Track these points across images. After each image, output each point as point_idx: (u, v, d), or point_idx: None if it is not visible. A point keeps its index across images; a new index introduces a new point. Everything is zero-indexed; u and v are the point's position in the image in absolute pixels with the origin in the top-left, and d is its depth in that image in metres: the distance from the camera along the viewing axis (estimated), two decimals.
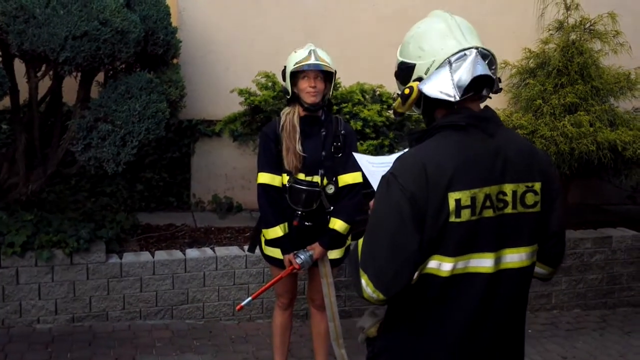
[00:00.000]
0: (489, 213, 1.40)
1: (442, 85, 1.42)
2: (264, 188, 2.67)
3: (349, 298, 3.98)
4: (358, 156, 1.93)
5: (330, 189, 2.68)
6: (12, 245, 3.34)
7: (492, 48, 1.50)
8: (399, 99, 1.50)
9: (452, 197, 1.36)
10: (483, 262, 1.41)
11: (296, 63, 2.58)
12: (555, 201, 1.51)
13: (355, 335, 3.68)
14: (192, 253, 3.77)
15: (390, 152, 4.00)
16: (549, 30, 4.55)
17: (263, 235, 2.78)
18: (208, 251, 3.83)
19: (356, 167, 2.67)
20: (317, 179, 2.66)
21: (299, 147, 2.62)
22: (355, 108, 3.95)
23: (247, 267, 3.79)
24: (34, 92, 3.43)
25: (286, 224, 2.68)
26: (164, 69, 3.70)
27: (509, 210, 1.43)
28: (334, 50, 4.90)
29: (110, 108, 3.22)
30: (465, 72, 1.41)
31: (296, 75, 2.61)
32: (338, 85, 4.23)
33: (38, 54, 3.06)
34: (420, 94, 1.45)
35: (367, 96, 4.17)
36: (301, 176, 2.65)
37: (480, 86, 1.45)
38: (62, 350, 3.26)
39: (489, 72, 1.43)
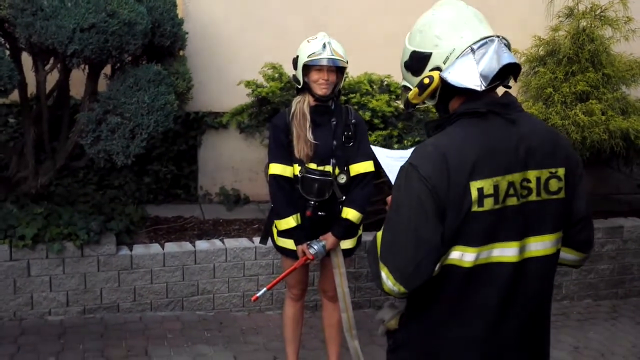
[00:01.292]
0: (512, 201, 1.38)
1: (467, 74, 1.38)
2: (275, 179, 2.68)
3: (359, 289, 4.01)
4: (377, 149, 1.93)
5: (342, 179, 2.68)
6: (23, 238, 3.38)
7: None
8: (416, 89, 1.45)
9: (475, 186, 1.34)
10: (507, 252, 1.39)
11: (310, 55, 2.59)
12: (578, 186, 1.49)
13: (366, 327, 3.71)
14: (202, 245, 3.80)
15: (399, 142, 4.00)
16: (559, 17, 4.50)
17: (275, 227, 2.79)
18: (217, 243, 3.86)
19: (368, 157, 2.70)
20: (329, 168, 2.67)
21: (309, 135, 2.62)
22: (363, 98, 3.95)
23: (257, 259, 3.82)
24: (42, 86, 3.46)
25: (299, 214, 2.69)
26: (170, 61, 3.71)
27: (533, 197, 1.41)
28: (341, 40, 4.88)
29: (119, 100, 3.24)
30: (491, 61, 1.38)
31: (309, 67, 2.61)
32: (346, 76, 4.22)
33: (46, 46, 3.08)
34: (439, 83, 1.42)
35: (375, 86, 4.16)
36: (313, 166, 2.66)
37: (505, 74, 1.43)
38: (74, 341, 3.30)
39: (516, 60, 1.42)
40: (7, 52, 3.21)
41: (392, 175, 1.61)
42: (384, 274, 1.38)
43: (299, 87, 2.69)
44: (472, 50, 1.40)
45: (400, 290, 1.37)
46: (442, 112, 1.50)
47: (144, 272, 3.64)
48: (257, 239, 3.85)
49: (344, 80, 4.11)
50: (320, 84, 2.60)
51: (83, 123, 3.33)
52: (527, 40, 4.57)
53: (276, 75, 4.07)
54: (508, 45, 1.46)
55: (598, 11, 4.38)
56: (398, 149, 3.94)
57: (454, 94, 1.44)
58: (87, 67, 3.43)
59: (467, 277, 1.37)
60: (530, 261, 1.42)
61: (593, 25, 4.33)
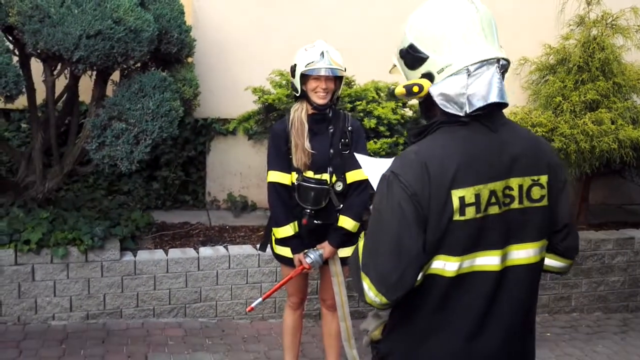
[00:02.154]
0: (494, 210, 1.35)
1: (454, 96, 1.35)
2: (273, 186, 2.63)
3: None
4: (359, 157, 1.90)
5: (339, 186, 2.63)
6: (28, 243, 3.35)
7: (511, 44, 1.44)
8: (403, 89, 1.41)
9: (456, 194, 1.32)
10: (489, 260, 1.36)
11: (307, 64, 2.53)
12: (562, 193, 1.46)
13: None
14: (206, 251, 3.74)
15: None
16: (570, 25, 4.40)
17: (273, 234, 2.73)
18: (221, 250, 3.79)
19: None
20: (325, 176, 2.61)
21: (307, 144, 2.58)
22: (369, 106, 3.87)
23: (260, 266, 3.74)
24: (50, 91, 3.43)
25: (296, 222, 2.63)
26: (178, 68, 3.67)
27: (515, 205, 1.38)
28: (349, 48, 4.80)
29: (124, 107, 3.20)
30: (480, 88, 1.33)
31: (306, 75, 2.55)
32: (353, 83, 4.15)
33: (53, 53, 3.05)
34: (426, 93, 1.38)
35: (381, 94, 4.08)
36: (309, 174, 2.61)
37: (491, 107, 1.36)
38: (76, 347, 3.25)
39: (505, 99, 1.35)
40: (16, 59, 3.19)
41: (376, 183, 1.59)
42: (366, 284, 1.33)
43: (297, 95, 2.63)
44: (468, 72, 1.34)
45: (382, 301, 1.33)
46: (425, 113, 1.47)
47: (147, 278, 3.58)
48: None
49: (350, 87, 4.06)
50: (318, 93, 2.55)
51: (88, 129, 3.30)
52: (537, 49, 4.47)
53: (283, 82, 4.01)
54: (506, 68, 1.40)
55: (609, 20, 4.29)
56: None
57: (429, 104, 1.41)
58: (94, 73, 3.40)
59: (449, 286, 1.35)
60: (513, 269, 1.39)
61: (604, 34, 4.24)
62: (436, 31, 1.38)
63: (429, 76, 1.37)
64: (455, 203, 1.31)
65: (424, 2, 1.44)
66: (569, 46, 4.33)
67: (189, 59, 3.93)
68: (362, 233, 1.47)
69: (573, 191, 5.07)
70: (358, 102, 3.89)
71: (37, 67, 3.49)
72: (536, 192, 1.40)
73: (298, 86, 2.60)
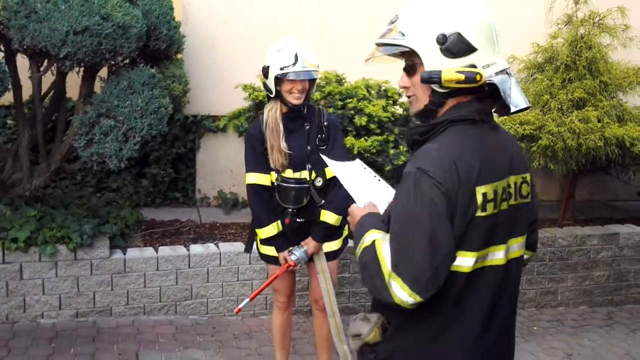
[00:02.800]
0: (504, 205, 1.40)
1: (506, 91, 1.37)
2: (253, 188, 2.61)
3: (354, 294, 3.89)
4: (328, 161, 1.91)
5: (319, 182, 2.60)
6: (15, 241, 3.28)
7: (500, 43, 1.44)
8: (460, 75, 1.33)
9: (480, 191, 1.34)
10: (497, 255, 1.40)
11: (282, 68, 2.46)
12: (534, 189, 1.55)
13: None
14: (196, 249, 3.69)
15: (395, 147, 3.89)
16: (558, 24, 4.41)
17: (257, 235, 2.70)
18: (212, 247, 3.75)
19: (342, 157, 2.55)
20: (305, 174, 2.58)
21: (283, 144, 2.55)
22: (360, 103, 3.85)
23: (251, 263, 3.71)
24: (36, 88, 3.35)
25: (279, 221, 2.61)
26: (167, 64, 3.60)
27: (512, 201, 1.44)
28: (339, 45, 4.77)
29: (112, 104, 3.14)
30: (519, 93, 1.39)
31: (281, 77, 2.48)
32: (343, 81, 4.12)
33: (39, 49, 2.98)
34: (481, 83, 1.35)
35: (372, 92, 4.06)
36: (289, 173, 2.58)
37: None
38: (65, 345, 3.20)
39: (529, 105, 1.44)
40: (1, 55, 3.10)
41: (348, 185, 1.66)
42: (397, 284, 1.30)
43: (272, 96, 2.57)
44: (508, 75, 1.39)
45: (416, 301, 1.30)
46: (428, 112, 1.43)
47: (137, 276, 3.53)
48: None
49: (341, 85, 4.03)
50: (294, 94, 2.50)
51: (76, 126, 3.23)
52: (525, 47, 4.47)
53: None
54: None
55: (596, 19, 4.31)
56: (393, 154, 3.83)
57: (457, 94, 1.39)
58: (81, 69, 3.33)
59: (465, 282, 1.36)
60: (512, 263, 1.45)
61: (591, 33, 4.26)
62: (485, 27, 1.38)
63: (474, 68, 1.36)
64: (479, 199, 1.34)
65: None
66: (557, 45, 4.34)
67: (178, 56, 3.86)
68: (373, 233, 1.42)
69: (560, 188, 5.11)
70: (349, 100, 3.87)
71: (22, 63, 3.41)
72: (525, 189, 1.46)
73: (272, 87, 2.53)
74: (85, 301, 3.46)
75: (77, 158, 3.62)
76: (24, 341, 3.21)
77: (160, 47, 3.43)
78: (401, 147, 3.87)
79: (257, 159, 2.58)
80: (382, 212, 1.55)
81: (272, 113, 2.56)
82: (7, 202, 3.53)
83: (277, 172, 2.57)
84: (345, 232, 2.77)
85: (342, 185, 2.56)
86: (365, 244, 1.42)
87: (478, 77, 1.34)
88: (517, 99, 1.39)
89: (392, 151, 3.81)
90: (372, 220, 1.49)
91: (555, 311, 4.20)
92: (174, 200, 4.61)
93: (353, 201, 1.64)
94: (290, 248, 2.61)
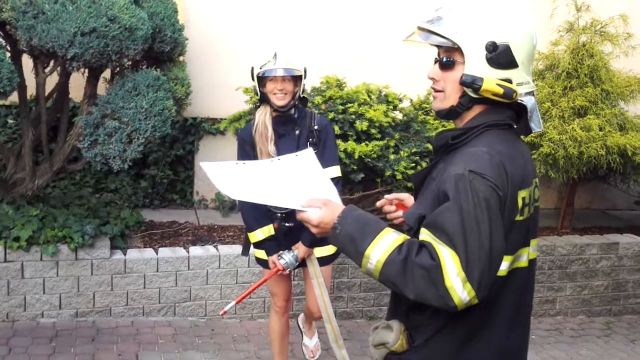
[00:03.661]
0: (532, 209, 1.47)
1: (530, 111, 1.44)
2: None
3: (352, 299, 4.06)
4: (204, 165, 1.61)
5: None
6: (17, 240, 3.44)
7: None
8: (499, 88, 1.37)
9: (521, 195, 1.39)
10: (523, 257, 1.46)
11: (262, 66, 2.53)
12: None
13: (358, 337, 3.74)
14: (196, 251, 3.86)
15: (396, 152, 4.04)
16: (559, 31, 4.56)
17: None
18: (211, 249, 3.91)
19: (333, 162, 2.64)
20: None
21: (271, 148, 2.57)
22: (361, 108, 4.00)
23: (250, 266, 3.87)
24: (41, 88, 3.52)
25: (270, 226, 2.67)
26: (170, 67, 3.77)
27: (534, 204, 1.51)
28: (340, 49, 4.95)
29: (117, 105, 3.30)
30: (538, 116, 1.48)
31: (262, 77, 2.55)
32: (344, 86, 4.28)
33: (46, 50, 3.14)
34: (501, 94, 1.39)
35: (373, 96, 4.22)
36: None
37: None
38: (65, 345, 3.35)
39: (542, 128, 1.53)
40: (8, 55, 3.26)
41: (223, 187, 1.50)
42: (462, 286, 1.28)
43: (259, 98, 2.65)
44: (534, 96, 1.46)
45: (473, 303, 1.31)
46: (457, 110, 1.45)
47: (137, 277, 3.69)
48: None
49: (342, 90, 4.19)
50: (276, 94, 2.54)
51: (81, 126, 3.39)
52: None
53: None
54: None
55: (598, 26, 4.44)
56: (394, 159, 3.98)
57: (479, 102, 1.43)
58: (86, 70, 3.49)
59: (499, 285, 1.40)
60: (532, 263, 1.50)
61: (593, 41, 4.39)
62: (530, 46, 1.42)
63: (508, 83, 1.39)
64: (520, 203, 1.39)
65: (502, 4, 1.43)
66: (558, 52, 4.48)
67: (181, 58, 4.03)
68: (394, 232, 1.38)
69: (558, 196, 5.28)
70: (350, 105, 4.02)
71: (26, 63, 3.57)
72: (537, 193, 1.52)
73: (257, 89, 2.60)
74: (85, 301, 3.62)
75: (78, 158, 3.78)
76: (24, 340, 3.36)
77: (164, 49, 3.60)
78: (402, 152, 4.02)
79: None
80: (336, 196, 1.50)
81: (262, 117, 2.60)
82: (9, 201, 3.69)
83: None
84: None
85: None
86: (395, 244, 1.35)
87: (514, 95, 1.39)
88: (536, 122, 1.47)
89: (392, 156, 3.97)
90: (366, 220, 1.40)
91: (553, 320, 4.35)
92: (172, 202, 4.78)
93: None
94: (280, 252, 2.62)
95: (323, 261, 2.74)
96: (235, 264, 3.86)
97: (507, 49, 1.38)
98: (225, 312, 2.53)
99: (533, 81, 1.50)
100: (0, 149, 3.88)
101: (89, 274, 3.60)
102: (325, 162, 2.58)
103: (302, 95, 2.66)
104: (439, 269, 1.30)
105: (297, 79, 2.60)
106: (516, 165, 1.39)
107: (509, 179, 1.36)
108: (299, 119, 2.66)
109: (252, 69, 2.62)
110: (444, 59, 1.43)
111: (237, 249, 3.94)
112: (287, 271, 2.63)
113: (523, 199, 1.39)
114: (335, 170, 2.68)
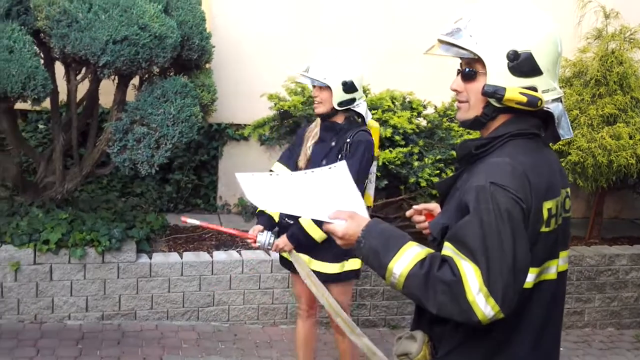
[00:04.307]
0: (560, 220, 1.45)
1: (557, 118, 1.44)
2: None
3: (375, 307, 4.10)
4: (239, 175, 1.71)
5: None
6: (47, 243, 3.57)
7: (559, 68, 1.54)
8: (522, 96, 1.37)
9: (546, 206, 1.38)
10: (551, 269, 1.45)
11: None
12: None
13: (381, 347, 3.74)
14: (219, 255, 3.95)
15: (420, 159, 4.09)
16: (587, 38, 4.57)
17: None
18: (234, 254, 4.00)
19: (352, 174, 2.74)
20: None
21: (308, 144, 2.80)
22: (385, 115, 4.06)
23: (273, 272, 3.95)
24: (73, 95, 3.66)
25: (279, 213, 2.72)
26: (197, 74, 3.89)
27: (563, 215, 1.49)
28: (363, 57, 5.03)
29: (146, 111, 3.42)
30: (567, 122, 1.48)
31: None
32: (368, 92, 4.35)
33: (79, 57, 3.27)
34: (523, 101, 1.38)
35: (397, 103, 4.28)
36: None
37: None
38: (92, 347, 3.46)
39: (571, 134, 1.51)
40: (41, 62, 3.41)
41: (253, 198, 1.57)
42: (485, 302, 1.28)
43: None
44: (561, 101, 1.45)
45: (498, 317, 1.30)
46: (481, 121, 1.46)
47: (162, 281, 3.80)
48: (273, 252, 3.94)
49: (366, 95, 4.26)
50: (314, 102, 2.76)
51: (110, 132, 3.52)
52: None
53: (299, 89, 4.22)
54: None
55: (627, 33, 4.45)
56: (418, 166, 4.03)
57: (503, 111, 1.43)
58: (116, 77, 3.63)
59: (525, 298, 1.39)
60: (561, 276, 1.49)
61: (622, 48, 4.39)
62: (553, 52, 1.42)
63: (533, 91, 1.39)
64: (545, 214, 1.38)
65: (524, 10, 1.42)
66: (587, 59, 4.49)
67: (207, 65, 4.15)
68: (418, 246, 1.39)
69: (586, 205, 5.24)
70: (374, 111, 4.09)
71: (58, 69, 3.72)
72: (567, 203, 1.51)
73: None
74: (111, 304, 3.74)
75: (107, 163, 3.92)
76: (51, 342, 3.48)
77: (192, 56, 3.72)
78: (425, 159, 4.07)
79: (289, 153, 2.88)
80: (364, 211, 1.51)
81: (318, 120, 2.85)
82: (39, 205, 3.83)
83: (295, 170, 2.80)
84: (355, 264, 2.75)
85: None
86: (417, 258, 1.36)
87: (539, 103, 1.38)
88: (565, 128, 1.47)
89: (416, 163, 4.02)
90: (392, 234, 1.42)
91: (582, 332, 4.33)
92: (196, 207, 4.89)
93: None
94: (267, 230, 2.65)
95: (330, 277, 2.71)
96: (258, 270, 3.94)
97: (529, 57, 1.38)
98: (185, 221, 2.38)
99: (560, 87, 1.53)
100: (31, 154, 4.04)
101: (115, 277, 3.72)
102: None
103: (353, 109, 2.71)
104: (461, 284, 1.29)
105: (326, 90, 2.69)
106: (541, 176, 1.39)
107: (532, 189, 1.35)
108: (341, 130, 2.73)
109: None
110: (466, 70, 1.45)
111: (260, 254, 4.02)
112: (257, 245, 2.62)
113: (549, 210, 1.38)
114: None
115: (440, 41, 1.47)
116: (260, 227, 2.68)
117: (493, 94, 1.39)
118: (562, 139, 1.49)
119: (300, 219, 2.64)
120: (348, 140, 2.68)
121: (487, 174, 1.36)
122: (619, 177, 4.28)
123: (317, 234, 2.64)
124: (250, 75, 4.70)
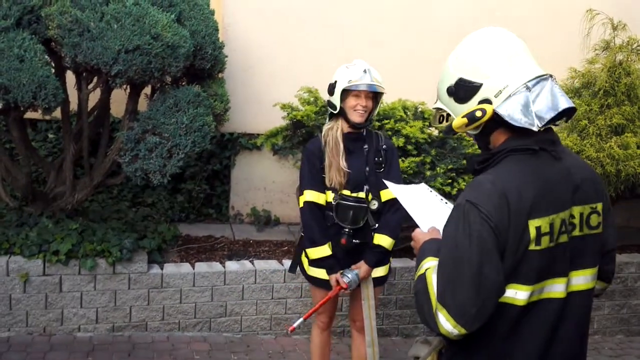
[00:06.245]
0: (564, 238, 1.37)
1: (523, 112, 1.33)
2: (309, 206, 2.56)
3: (388, 316, 3.81)
4: (390, 185, 1.94)
5: (374, 205, 2.58)
6: (57, 254, 3.28)
7: (520, 53, 1.41)
8: (464, 119, 1.38)
9: (533, 224, 1.32)
10: (556, 287, 1.38)
11: (350, 80, 2.50)
12: (609, 219, 1.49)
13: (395, 356, 3.49)
14: (232, 266, 3.66)
15: (432, 169, 3.84)
16: (595, 50, 4.36)
17: (306, 256, 2.65)
18: (247, 264, 3.71)
19: (398, 180, 2.57)
20: (362, 194, 2.56)
21: (343, 163, 2.54)
22: (397, 124, 3.82)
23: (286, 282, 3.66)
24: (84, 104, 3.39)
25: (331, 243, 2.57)
26: (209, 83, 3.62)
27: (576, 232, 1.39)
28: (375, 66, 4.75)
29: (158, 121, 3.15)
30: (546, 101, 1.34)
31: (347, 92, 2.52)
32: (380, 102, 4.09)
33: (91, 66, 3.01)
34: (490, 117, 1.36)
35: (409, 113, 4.03)
36: (347, 192, 2.56)
37: (560, 116, 1.37)
38: (102, 359, 3.16)
39: (572, 104, 1.37)
40: (52, 71, 3.14)
41: (411, 209, 1.64)
42: (442, 315, 1.30)
43: (334, 112, 2.59)
44: (528, 88, 1.35)
45: (461, 333, 1.30)
46: (483, 144, 1.46)
47: (173, 292, 3.50)
48: (286, 262, 3.69)
49: (379, 106, 4.01)
50: (358, 110, 2.53)
51: (122, 141, 3.24)
52: (563, 72, 4.42)
53: (312, 99, 3.96)
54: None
55: (634, 45, 4.25)
56: (430, 176, 3.77)
57: (497, 127, 1.39)
58: (128, 87, 3.35)
59: (519, 314, 1.35)
60: (574, 296, 1.41)
61: (630, 59, 4.21)
62: (486, 58, 1.39)
63: (486, 102, 1.37)
64: (532, 233, 1.31)
65: (461, 40, 1.45)
66: (595, 70, 4.29)
67: (220, 75, 3.88)
68: (429, 261, 1.42)
69: None
70: (386, 121, 3.84)
71: (69, 79, 3.45)
72: (594, 220, 1.41)
73: (337, 103, 2.55)
74: (122, 315, 3.43)
75: (116, 173, 3.63)
76: (61, 354, 3.19)
77: (205, 66, 3.45)
78: (438, 168, 3.81)
79: (314, 177, 2.56)
80: None
81: (333, 132, 2.57)
82: (49, 215, 3.54)
83: (334, 190, 2.55)
84: (390, 260, 2.74)
85: (398, 209, 2.53)
86: (420, 271, 1.42)
87: (479, 114, 1.35)
88: (547, 105, 1.33)
89: (428, 172, 3.77)
90: (432, 247, 1.47)
91: (591, 339, 4.02)
92: (208, 216, 4.60)
93: (410, 225, 1.62)
94: (342, 271, 2.57)
95: (378, 281, 2.67)
96: (271, 280, 3.64)
97: (459, 81, 1.40)
98: (293, 329, 2.53)
99: (570, 98, 1.42)
100: (41, 163, 3.75)
101: (126, 288, 3.42)
102: (391, 180, 2.50)
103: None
104: (428, 294, 1.33)
105: (375, 100, 2.59)
106: (527, 193, 1.31)
107: (511, 209, 1.30)
108: (367, 137, 2.63)
109: (335, 83, 2.56)
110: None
111: (273, 264, 3.74)
112: (349, 290, 2.56)
113: (537, 228, 1.31)
114: None
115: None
116: (337, 273, 2.56)
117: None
118: (541, 124, 1.33)
119: (381, 241, 2.57)
120: (384, 146, 2.62)
121: (467, 192, 1.35)
122: (627, 186, 4.08)
123: (389, 243, 2.59)
124: (263, 85, 4.44)
